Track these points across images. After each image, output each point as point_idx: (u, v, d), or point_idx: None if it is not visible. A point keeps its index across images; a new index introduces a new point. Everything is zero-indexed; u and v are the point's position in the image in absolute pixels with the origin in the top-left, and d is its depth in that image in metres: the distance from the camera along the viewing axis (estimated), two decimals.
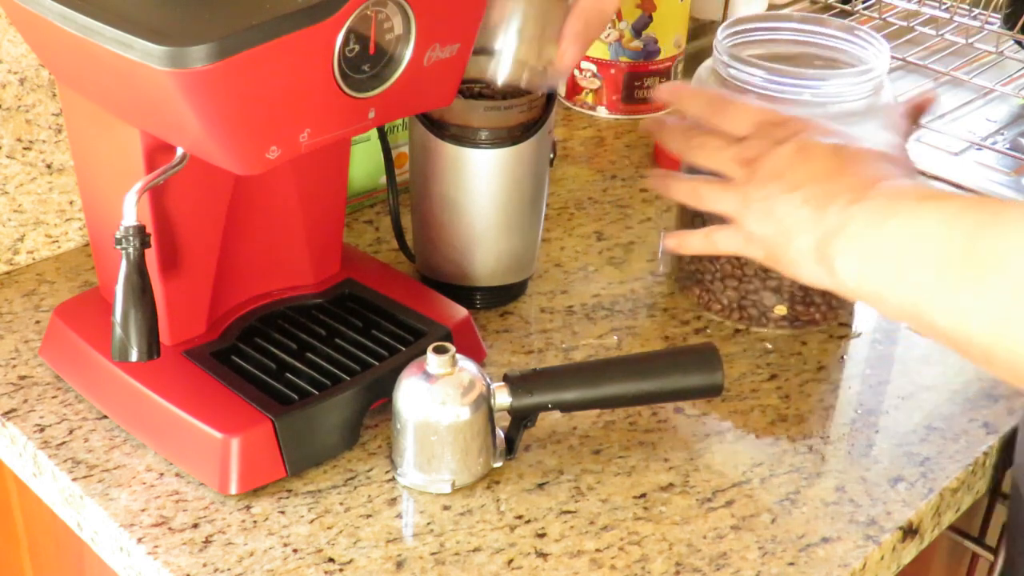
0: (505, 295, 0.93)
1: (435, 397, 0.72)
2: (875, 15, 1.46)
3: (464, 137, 0.86)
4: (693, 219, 0.91)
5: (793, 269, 0.70)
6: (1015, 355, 0.56)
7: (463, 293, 0.92)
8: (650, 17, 1.20)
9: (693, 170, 0.80)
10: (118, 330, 0.69)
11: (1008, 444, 0.83)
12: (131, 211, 0.69)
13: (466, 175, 0.87)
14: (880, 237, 0.63)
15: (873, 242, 0.63)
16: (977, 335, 0.57)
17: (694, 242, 0.79)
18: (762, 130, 0.73)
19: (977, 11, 1.43)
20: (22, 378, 0.83)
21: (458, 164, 0.87)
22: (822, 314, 0.92)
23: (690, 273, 0.94)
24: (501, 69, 0.80)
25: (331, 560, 0.69)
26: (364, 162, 1.04)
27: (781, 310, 0.91)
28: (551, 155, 0.92)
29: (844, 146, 0.69)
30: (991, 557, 0.92)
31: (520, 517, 0.73)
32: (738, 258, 0.90)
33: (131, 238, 0.69)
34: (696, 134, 0.77)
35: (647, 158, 1.16)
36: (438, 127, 0.87)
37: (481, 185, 0.87)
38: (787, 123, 0.72)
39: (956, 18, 1.42)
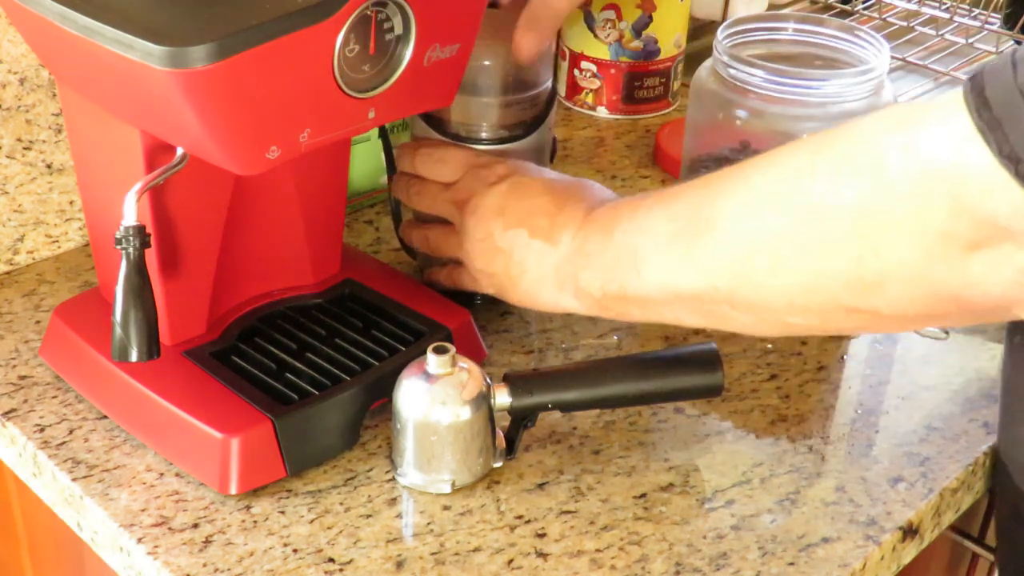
0: None
1: (435, 397, 0.72)
2: (875, 15, 1.46)
3: (465, 134, 0.86)
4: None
5: (531, 299, 0.76)
6: (759, 288, 0.62)
7: (463, 293, 0.91)
8: (650, 17, 1.20)
9: (424, 219, 0.87)
10: (118, 330, 0.69)
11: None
12: (131, 211, 0.69)
13: None
14: (614, 245, 0.69)
15: (609, 250, 0.70)
16: (721, 285, 0.64)
17: (440, 277, 0.86)
18: (471, 173, 0.79)
19: (977, 11, 1.43)
20: (22, 378, 0.83)
21: None
22: None
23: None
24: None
25: (331, 560, 0.69)
26: (364, 162, 1.04)
27: None
28: (551, 152, 0.92)
29: (553, 181, 0.76)
30: (991, 557, 0.92)
31: (520, 517, 0.73)
32: None
33: (131, 238, 0.69)
34: (415, 183, 0.84)
35: (647, 158, 1.16)
36: (439, 124, 0.87)
37: None
38: (494, 165, 0.79)
39: (956, 18, 1.42)
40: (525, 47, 0.84)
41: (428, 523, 0.72)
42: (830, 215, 0.58)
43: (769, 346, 0.90)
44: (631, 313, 0.71)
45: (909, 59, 1.37)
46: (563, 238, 0.73)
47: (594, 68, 1.23)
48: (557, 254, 0.73)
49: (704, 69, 0.92)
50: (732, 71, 0.88)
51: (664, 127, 1.18)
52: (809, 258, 0.60)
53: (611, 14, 1.20)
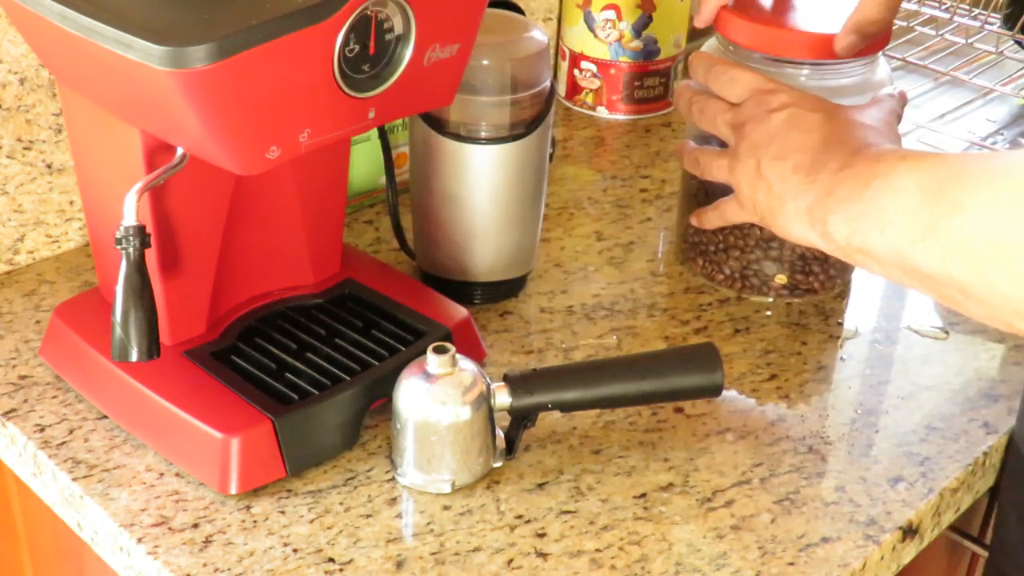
0: (505, 291, 0.94)
1: (435, 397, 0.72)
2: None
3: (464, 133, 0.87)
4: (693, 198, 0.95)
5: (785, 230, 0.74)
6: (991, 289, 0.60)
7: (463, 289, 0.92)
8: (650, 17, 1.20)
9: (704, 139, 0.87)
10: (118, 330, 0.69)
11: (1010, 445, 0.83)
12: (131, 211, 0.69)
13: (466, 171, 0.87)
14: (865, 197, 0.67)
15: (859, 202, 0.67)
16: (955, 274, 0.61)
17: (710, 217, 0.86)
18: (756, 97, 0.78)
19: (977, 11, 1.43)
20: (22, 378, 0.83)
21: (458, 160, 0.87)
22: (820, 283, 0.95)
23: (694, 244, 0.96)
24: None
25: (331, 560, 0.69)
26: (364, 162, 1.04)
27: (782, 279, 0.94)
28: (551, 151, 0.92)
29: (832, 117, 0.74)
30: None
31: (520, 517, 0.73)
32: (740, 228, 0.93)
33: (131, 238, 0.69)
34: (699, 98, 0.83)
35: (647, 158, 1.17)
36: (438, 123, 0.87)
37: (481, 181, 0.88)
38: (780, 92, 0.77)
39: (956, 18, 1.42)
40: (842, 46, 0.84)
41: (428, 523, 0.72)
42: None
43: (769, 346, 0.90)
44: (871, 267, 0.69)
45: (909, 59, 1.37)
46: (820, 178, 0.71)
47: (594, 68, 1.23)
48: (811, 193, 0.71)
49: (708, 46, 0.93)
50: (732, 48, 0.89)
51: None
52: None
53: (611, 14, 1.20)
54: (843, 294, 0.97)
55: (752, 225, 0.91)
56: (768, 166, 0.74)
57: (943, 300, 0.65)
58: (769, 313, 0.93)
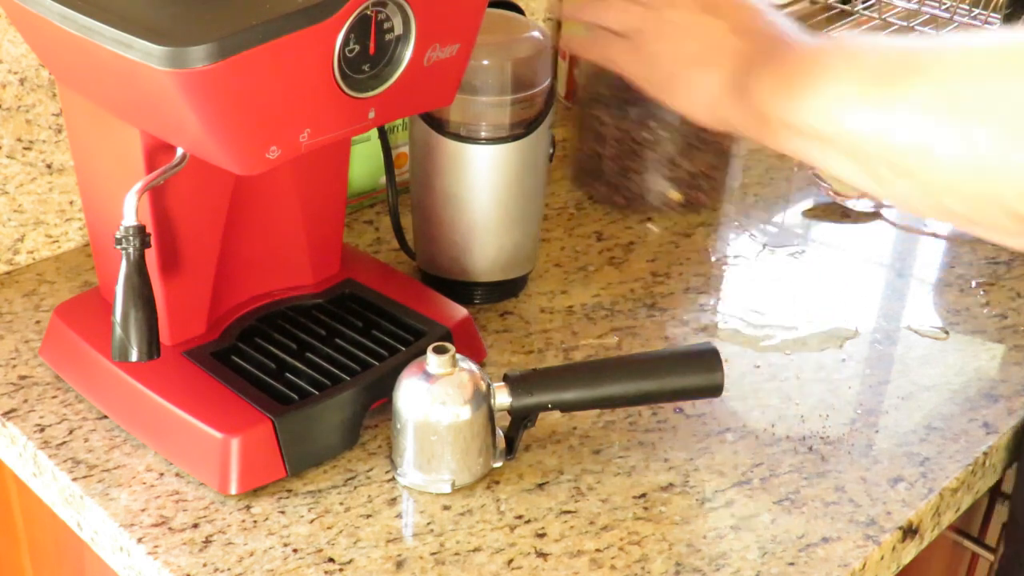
0: (505, 291, 0.94)
1: (435, 397, 0.72)
2: (875, 15, 1.46)
3: (465, 133, 0.87)
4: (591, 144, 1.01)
5: (690, 94, 0.71)
6: (924, 167, 0.58)
7: (464, 289, 0.92)
8: None
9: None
10: (118, 330, 0.69)
11: (1011, 442, 0.83)
12: (131, 211, 0.69)
13: (466, 171, 0.87)
14: (804, 60, 0.65)
15: (796, 64, 0.65)
16: (891, 145, 0.59)
17: (588, 49, 0.79)
18: None
19: (977, 11, 1.43)
20: (22, 378, 0.83)
21: (458, 160, 0.87)
22: (709, 196, 1.08)
23: (590, 171, 0.98)
24: None
25: (331, 560, 0.69)
26: (364, 162, 1.04)
27: (676, 196, 1.05)
28: (551, 151, 0.92)
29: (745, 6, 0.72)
30: (991, 557, 0.92)
31: (520, 517, 0.73)
32: (637, 153, 0.99)
33: (131, 238, 0.69)
34: None
35: None
36: (439, 123, 0.87)
37: (481, 181, 0.88)
38: None
39: (956, 18, 1.42)
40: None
41: (428, 523, 0.72)
42: None
43: (768, 345, 0.90)
44: (787, 141, 0.66)
45: None
46: (759, 38, 0.69)
47: None
48: (745, 54, 0.68)
49: None
50: None
51: None
52: (999, 144, 0.55)
53: None
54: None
55: (646, 149, 0.93)
56: (700, 23, 0.71)
57: (863, 175, 0.62)
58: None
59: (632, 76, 0.75)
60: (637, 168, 1.05)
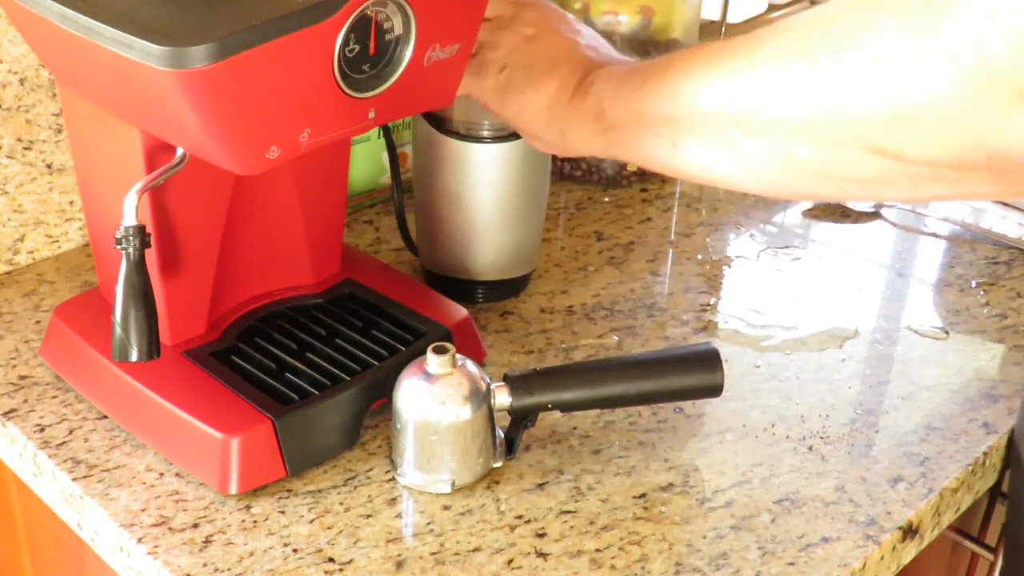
0: (507, 289, 0.94)
1: (435, 397, 0.72)
2: None
3: (467, 132, 0.87)
4: None
5: (526, 100, 0.74)
6: (773, 116, 0.58)
7: (465, 287, 0.92)
8: (649, 21, 1.20)
9: None
10: (118, 330, 0.69)
11: (1011, 443, 0.83)
12: (131, 211, 0.69)
13: (469, 170, 0.87)
14: (647, 63, 0.67)
15: (640, 64, 0.68)
16: (737, 105, 0.60)
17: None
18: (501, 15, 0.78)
19: None
20: (22, 378, 0.83)
21: (461, 159, 0.87)
22: None
23: None
24: None
25: (331, 560, 0.69)
26: (364, 162, 1.04)
27: (632, 167, 1.07)
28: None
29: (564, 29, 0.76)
30: (991, 557, 0.92)
31: (520, 517, 0.73)
32: None
33: (131, 238, 0.69)
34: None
35: None
36: (441, 122, 0.87)
37: (483, 180, 0.88)
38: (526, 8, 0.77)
39: None
40: None
41: (428, 523, 0.72)
42: (882, 30, 0.53)
43: (768, 345, 0.90)
44: (625, 139, 0.68)
45: None
46: (601, 44, 0.73)
47: None
48: (585, 57, 0.72)
49: None
50: None
51: None
52: (848, 75, 0.55)
53: (611, 19, 1.20)
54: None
55: None
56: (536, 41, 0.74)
57: (718, 148, 0.63)
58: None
59: (469, 91, 0.77)
60: None
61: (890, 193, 0.60)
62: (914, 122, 0.54)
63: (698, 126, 0.63)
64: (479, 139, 0.87)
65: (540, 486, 0.75)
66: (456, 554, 0.70)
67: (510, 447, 0.76)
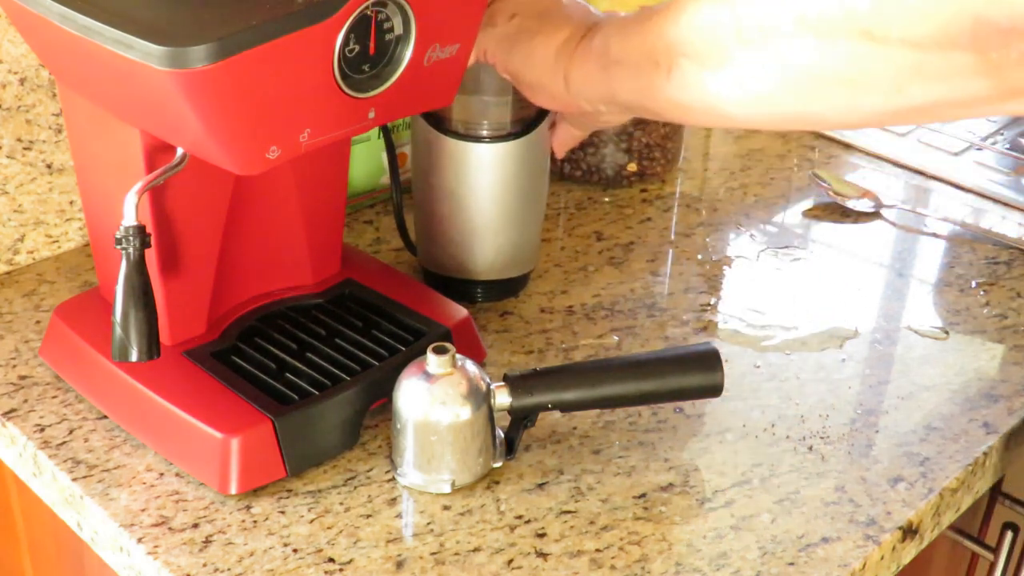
0: (507, 289, 0.94)
1: (435, 397, 0.72)
2: None
3: (466, 131, 0.87)
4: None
5: (533, 49, 0.76)
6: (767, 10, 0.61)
7: (465, 287, 0.92)
8: None
9: None
10: (118, 330, 0.69)
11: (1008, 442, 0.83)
12: (131, 211, 0.69)
13: (468, 169, 0.87)
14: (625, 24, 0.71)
15: (635, 14, 0.70)
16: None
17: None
18: None
19: None
20: (22, 378, 0.83)
21: (460, 158, 0.87)
22: (662, 167, 1.13)
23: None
24: None
25: (331, 560, 0.69)
26: (364, 162, 1.04)
27: (632, 167, 1.10)
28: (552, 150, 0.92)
29: None
30: (991, 557, 0.92)
31: (520, 517, 0.73)
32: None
33: (131, 238, 0.69)
34: None
35: None
36: (440, 121, 0.87)
37: (483, 179, 0.88)
38: None
39: None
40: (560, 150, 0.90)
41: (428, 523, 0.72)
42: None
43: (768, 345, 0.90)
44: (624, 67, 0.70)
45: None
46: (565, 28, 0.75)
47: None
48: (589, 13, 0.76)
49: None
50: None
51: None
52: None
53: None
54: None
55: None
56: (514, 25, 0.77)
57: (706, 75, 0.65)
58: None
59: (482, 49, 0.80)
60: (593, 141, 1.09)
61: (874, 99, 0.60)
62: None
63: (695, 45, 0.65)
64: (478, 139, 0.87)
65: (540, 486, 0.75)
66: (456, 554, 0.70)
67: (510, 447, 0.76)
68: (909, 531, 0.74)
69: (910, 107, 0.60)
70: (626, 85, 0.71)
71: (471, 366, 0.74)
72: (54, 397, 0.81)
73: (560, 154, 0.90)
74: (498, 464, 0.76)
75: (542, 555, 0.70)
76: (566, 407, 0.76)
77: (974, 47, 0.55)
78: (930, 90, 0.58)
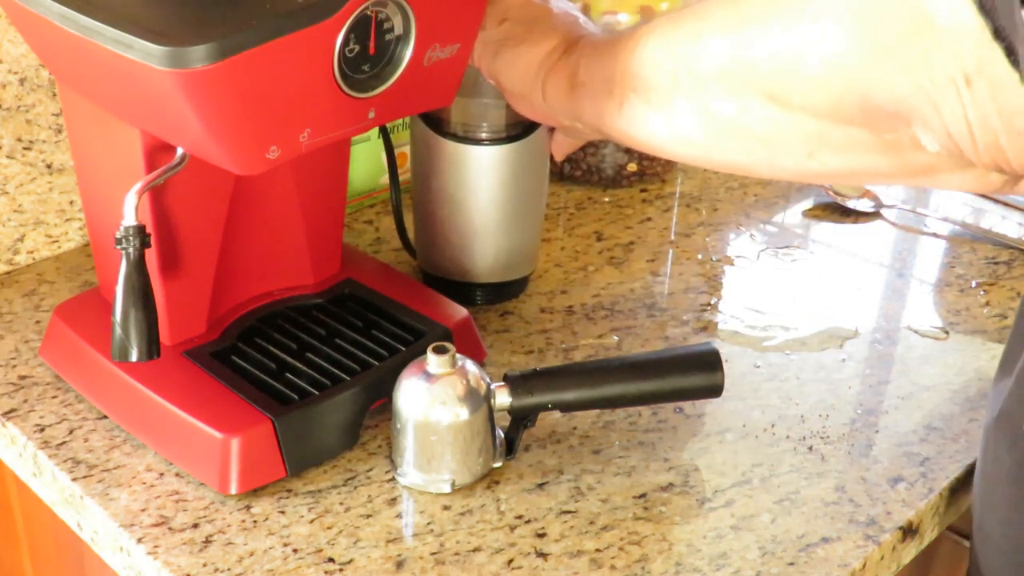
0: (506, 292, 0.94)
1: (435, 397, 0.72)
2: None
3: (465, 134, 0.87)
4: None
5: (517, 59, 0.76)
6: (695, 70, 0.62)
7: (464, 289, 0.92)
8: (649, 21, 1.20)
9: None
10: (118, 330, 0.69)
11: None
12: (131, 211, 0.69)
13: (467, 172, 0.87)
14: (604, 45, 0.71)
15: (608, 37, 0.71)
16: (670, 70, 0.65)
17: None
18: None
19: None
20: (22, 378, 0.83)
21: (459, 161, 0.87)
22: (662, 167, 1.13)
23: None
24: None
25: (331, 560, 0.69)
26: (364, 162, 1.04)
27: (632, 167, 1.11)
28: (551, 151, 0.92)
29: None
30: None
31: (520, 517, 0.73)
32: None
33: (131, 238, 0.69)
34: None
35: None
36: (439, 123, 0.87)
37: (482, 182, 0.88)
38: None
39: None
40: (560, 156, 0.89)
41: (428, 523, 0.72)
42: None
43: (769, 345, 0.90)
44: (586, 91, 0.71)
45: None
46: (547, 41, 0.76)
47: None
48: (574, 27, 0.76)
49: None
50: None
51: None
52: (745, 19, 0.58)
53: (611, 18, 1.20)
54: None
55: None
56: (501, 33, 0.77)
57: (652, 97, 0.66)
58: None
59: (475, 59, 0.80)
60: (593, 141, 1.08)
61: (789, 161, 0.61)
62: (797, 62, 0.56)
63: (643, 82, 0.66)
64: (477, 141, 0.87)
65: (540, 486, 0.75)
66: (456, 554, 0.70)
67: (510, 447, 0.76)
68: (909, 531, 0.74)
69: (825, 172, 0.61)
70: (587, 108, 0.72)
71: (471, 366, 0.74)
72: (54, 397, 0.81)
73: (559, 158, 0.90)
74: (498, 464, 0.76)
75: (542, 555, 0.70)
76: (566, 407, 0.76)
77: (868, 126, 0.56)
78: (839, 160, 0.60)
